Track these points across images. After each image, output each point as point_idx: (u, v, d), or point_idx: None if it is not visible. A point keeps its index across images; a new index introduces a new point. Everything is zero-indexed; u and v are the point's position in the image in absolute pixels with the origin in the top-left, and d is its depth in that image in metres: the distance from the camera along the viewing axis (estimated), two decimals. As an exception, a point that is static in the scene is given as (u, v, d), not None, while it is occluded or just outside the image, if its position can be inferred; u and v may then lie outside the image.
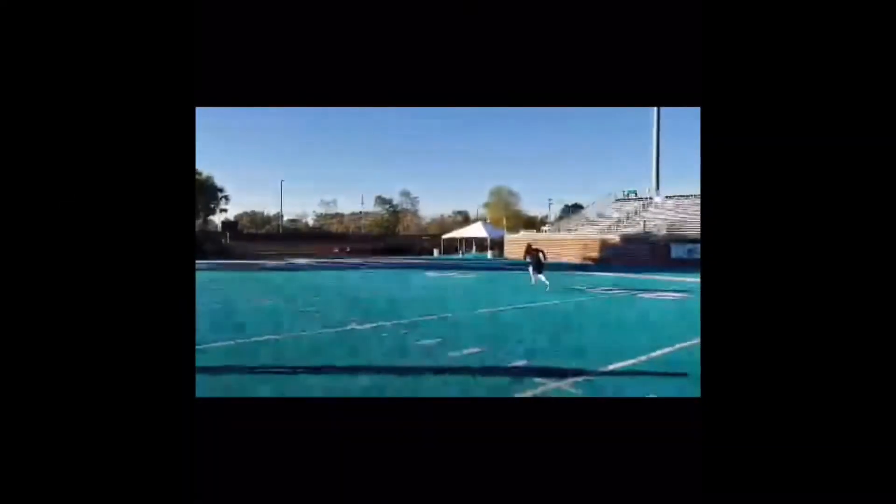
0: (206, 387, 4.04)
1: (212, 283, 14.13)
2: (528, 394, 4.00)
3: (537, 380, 4.35)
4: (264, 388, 4.16)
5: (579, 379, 4.41)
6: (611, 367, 4.81)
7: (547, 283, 12.15)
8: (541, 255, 12.79)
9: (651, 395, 3.96)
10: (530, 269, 12.90)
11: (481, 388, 4.18)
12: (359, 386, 4.22)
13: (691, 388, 3.92)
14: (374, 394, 4.01)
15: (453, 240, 41.80)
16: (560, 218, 42.79)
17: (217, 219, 48.35)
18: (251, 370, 4.73)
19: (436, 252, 40.08)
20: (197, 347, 5.09)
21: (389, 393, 4.03)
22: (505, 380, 4.38)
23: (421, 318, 7.76)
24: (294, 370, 4.77)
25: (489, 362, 4.98)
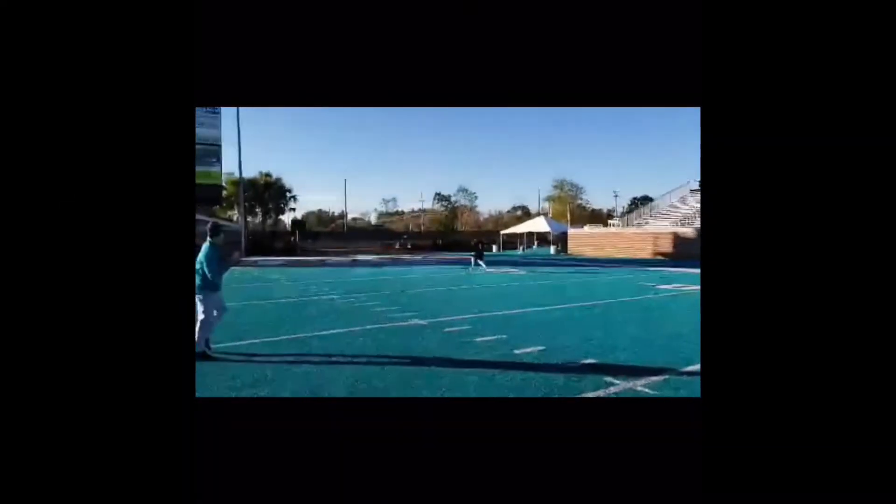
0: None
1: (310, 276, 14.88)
2: (600, 393, 3.98)
3: (607, 379, 4.31)
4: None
5: (660, 378, 4.35)
6: (688, 369, 4.67)
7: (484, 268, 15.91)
8: (480, 246, 19.10)
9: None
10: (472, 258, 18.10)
11: (539, 382, 4.23)
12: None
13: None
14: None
15: (513, 235, 41.03)
16: (628, 211, 40.77)
17: (286, 218, 50.66)
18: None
19: (494, 248, 39.24)
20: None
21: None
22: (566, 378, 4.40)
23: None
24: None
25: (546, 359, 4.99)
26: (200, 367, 4.54)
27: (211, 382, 4.24)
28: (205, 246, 5.12)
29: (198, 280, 5.02)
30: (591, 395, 3.95)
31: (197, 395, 3.27)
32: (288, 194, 49.73)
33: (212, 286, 5.10)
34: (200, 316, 5.04)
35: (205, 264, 5.03)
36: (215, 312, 5.22)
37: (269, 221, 49.97)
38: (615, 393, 3.98)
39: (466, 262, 20.53)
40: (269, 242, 37.24)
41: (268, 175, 47.93)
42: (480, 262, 18.41)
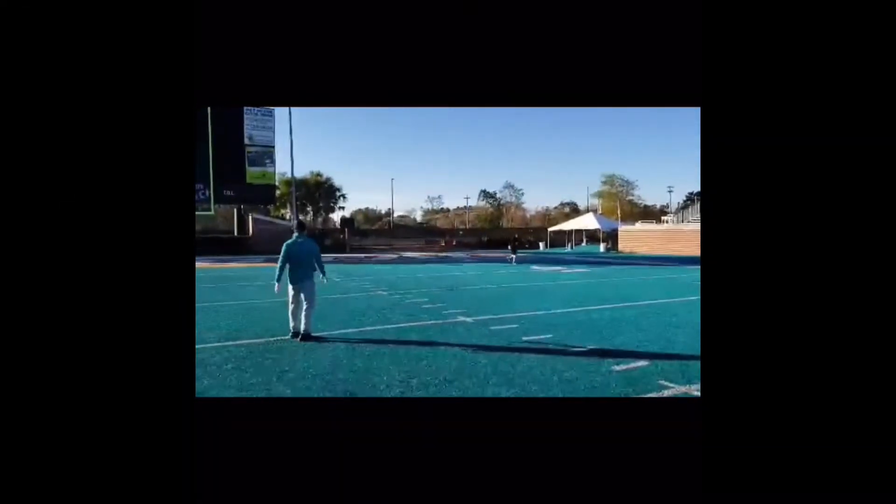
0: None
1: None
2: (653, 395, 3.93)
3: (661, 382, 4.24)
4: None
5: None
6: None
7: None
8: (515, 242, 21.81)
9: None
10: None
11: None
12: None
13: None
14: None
15: (561, 232, 39.99)
16: (683, 207, 38.69)
17: (335, 216, 52.57)
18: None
19: (541, 245, 38.60)
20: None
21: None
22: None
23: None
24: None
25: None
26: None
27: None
28: (301, 241, 5.82)
29: (300, 272, 5.73)
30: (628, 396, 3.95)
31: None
32: (337, 193, 51.71)
33: (314, 276, 5.87)
34: (315, 304, 5.87)
35: (318, 256, 5.88)
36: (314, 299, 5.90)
37: (320, 219, 51.12)
38: (671, 395, 3.95)
39: (504, 260, 22.00)
40: (320, 240, 37.42)
41: (318, 175, 48.81)
42: (513, 257, 21.03)
